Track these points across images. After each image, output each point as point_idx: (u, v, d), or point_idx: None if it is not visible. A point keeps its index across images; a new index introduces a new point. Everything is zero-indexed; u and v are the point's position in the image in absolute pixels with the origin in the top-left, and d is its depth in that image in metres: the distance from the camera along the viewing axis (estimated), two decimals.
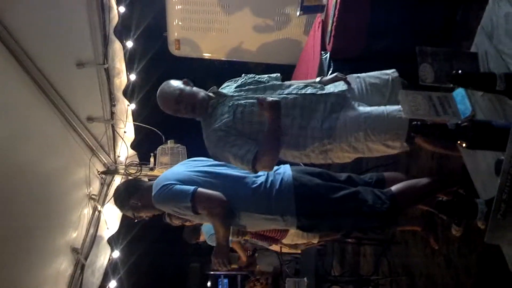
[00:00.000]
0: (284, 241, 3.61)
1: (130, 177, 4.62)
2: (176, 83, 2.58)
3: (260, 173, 2.61)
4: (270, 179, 2.57)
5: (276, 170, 2.63)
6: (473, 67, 1.64)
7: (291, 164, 2.73)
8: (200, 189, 2.52)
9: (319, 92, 2.47)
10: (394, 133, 2.27)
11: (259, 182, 2.57)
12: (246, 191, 2.55)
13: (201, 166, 2.74)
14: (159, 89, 2.62)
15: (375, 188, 2.55)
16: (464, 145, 1.37)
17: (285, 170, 2.62)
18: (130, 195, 2.84)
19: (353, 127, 2.36)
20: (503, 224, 1.22)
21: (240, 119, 2.44)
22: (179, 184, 2.56)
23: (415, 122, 1.40)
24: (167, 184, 2.58)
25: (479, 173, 1.67)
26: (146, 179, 4.77)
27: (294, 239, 3.61)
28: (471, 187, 1.73)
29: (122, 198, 2.90)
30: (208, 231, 4.66)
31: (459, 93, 1.69)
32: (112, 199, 3.22)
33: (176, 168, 2.79)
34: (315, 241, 3.62)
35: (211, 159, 2.84)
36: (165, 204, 2.69)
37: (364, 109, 2.42)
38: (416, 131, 1.40)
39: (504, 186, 1.17)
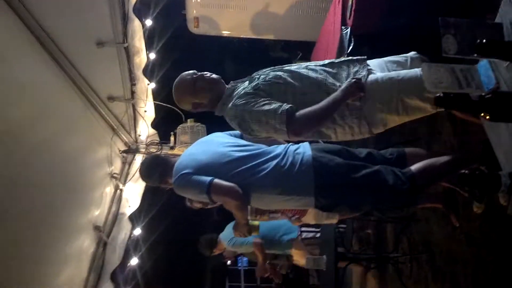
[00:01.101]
0: (304, 220, 3.61)
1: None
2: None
3: (279, 150, 2.62)
4: (289, 159, 2.54)
5: (296, 149, 2.61)
6: (497, 38, 1.60)
7: (311, 142, 2.71)
8: (215, 182, 2.53)
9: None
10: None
11: (277, 162, 2.55)
12: (264, 173, 2.54)
13: (218, 146, 2.74)
14: (174, 84, 2.66)
15: (396, 166, 2.53)
16: (487, 117, 1.35)
17: (305, 150, 2.59)
18: (156, 172, 2.90)
19: (386, 83, 2.36)
20: None
21: (268, 82, 2.46)
22: (196, 174, 2.59)
23: (439, 95, 1.38)
24: (184, 173, 2.62)
25: (502, 145, 1.64)
26: None
27: (315, 219, 3.62)
28: (493, 163, 1.71)
29: (148, 173, 2.97)
30: (226, 237, 4.73)
31: (483, 65, 1.66)
32: (138, 172, 3.26)
33: (195, 151, 2.79)
34: (335, 220, 3.62)
35: (230, 136, 2.87)
36: (184, 192, 2.76)
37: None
38: (439, 103, 1.38)
39: None
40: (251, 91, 2.46)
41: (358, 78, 2.34)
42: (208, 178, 2.54)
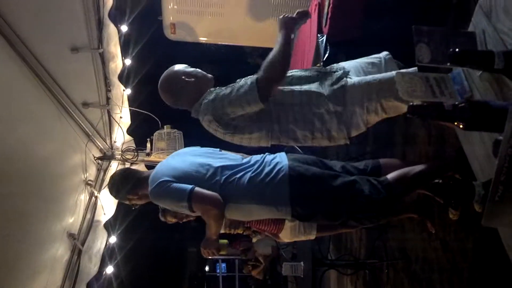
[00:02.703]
0: (282, 237, 3.59)
1: (125, 165, 4.62)
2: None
3: (255, 160, 2.61)
4: (265, 169, 2.54)
5: (273, 159, 2.61)
6: (470, 46, 1.61)
7: (287, 152, 2.71)
8: (196, 190, 2.49)
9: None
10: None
11: (254, 171, 2.54)
12: (241, 182, 2.52)
13: (196, 157, 2.72)
14: (162, 76, 2.65)
15: (371, 176, 2.54)
16: (461, 126, 1.35)
17: (281, 160, 2.59)
18: (126, 185, 2.82)
19: (364, 87, 2.40)
20: (500, 207, 1.20)
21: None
22: (176, 182, 2.55)
23: (412, 103, 1.38)
24: (163, 181, 2.56)
25: (476, 155, 1.65)
26: (142, 165, 4.78)
27: (292, 236, 3.59)
28: (468, 171, 1.72)
29: (118, 188, 2.87)
30: None
31: (457, 74, 1.67)
32: (108, 187, 3.21)
33: (173, 161, 2.75)
34: (313, 236, 3.61)
35: (207, 149, 2.85)
36: (162, 201, 2.69)
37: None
38: (413, 112, 1.38)
39: (502, 168, 1.14)
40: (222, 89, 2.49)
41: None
42: (189, 186, 2.50)
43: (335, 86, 2.45)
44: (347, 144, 2.57)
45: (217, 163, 2.62)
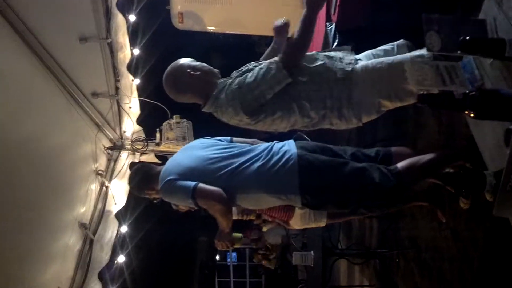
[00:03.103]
0: (292, 224, 3.59)
1: (135, 155, 4.64)
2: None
3: (263, 148, 2.61)
4: (274, 157, 2.53)
5: (281, 147, 2.60)
6: (481, 34, 1.59)
7: (296, 139, 2.70)
8: (199, 186, 2.52)
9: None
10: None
11: (262, 160, 2.53)
12: (249, 171, 2.53)
13: (203, 150, 2.72)
14: (166, 70, 2.64)
15: (382, 164, 2.53)
16: (472, 115, 1.33)
17: (290, 148, 2.58)
18: (143, 182, 2.88)
19: (376, 68, 2.39)
20: None
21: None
22: (180, 180, 2.58)
23: (422, 92, 1.36)
24: (169, 179, 2.61)
25: (487, 144, 1.63)
26: (152, 155, 4.80)
27: (302, 223, 3.60)
28: (478, 160, 1.70)
29: (137, 185, 2.94)
30: None
31: (467, 62, 1.65)
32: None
33: (180, 157, 2.78)
34: (323, 224, 3.60)
35: (216, 140, 2.85)
36: (170, 198, 2.75)
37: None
38: (423, 101, 1.36)
39: None
40: (238, 77, 2.49)
41: None
42: (193, 183, 2.52)
43: (346, 68, 2.44)
44: (359, 130, 2.56)
45: (224, 154, 2.63)
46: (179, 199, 2.68)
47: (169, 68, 2.64)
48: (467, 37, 1.28)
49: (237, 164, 2.55)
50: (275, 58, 2.41)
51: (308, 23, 2.41)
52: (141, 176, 2.91)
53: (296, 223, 3.50)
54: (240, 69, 2.60)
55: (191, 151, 2.77)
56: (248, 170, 2.52)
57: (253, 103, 2.42)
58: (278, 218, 3.49)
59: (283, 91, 2.41)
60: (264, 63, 2.43)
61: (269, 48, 2.81)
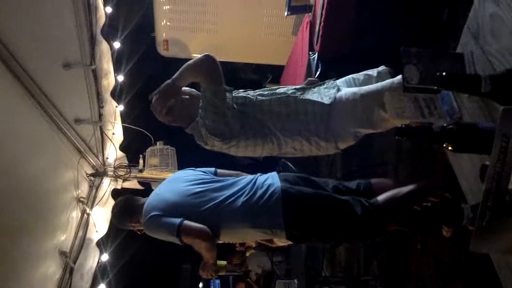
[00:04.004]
0: (276, 241, 3.58)
1: (118, 182, 4.60)
2: None
3: (247, 182, 2.62)
4: (258, 192, 2.54)
5: (265, 180, 2.62)
6: (459, 68, 1.62)
7: (279, 171, 2.72)
8: (184, 224, 2.51)
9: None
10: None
11: (247, 195, 2.54)
12: (233, 206, 2.53)
13: (187, 184, 2.72)
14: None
15: (363, 197, 2.56)
16: (450, 148, 1.35)
17: (274, 181, 2.60)
18: (127, 215, 2.87)
19: (349, 99, 2.41)
20: (488, 233, 1.20)
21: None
22: (165, 216, 2.58)
23: (401, 125, 1.38)
24: (153, 215, 2.60)
25: (465, 176, 1.66)
26: (135, 181, 4.76)
27: (286, 241, 3.58)
28: (458, 191, 1.72)
29: (120, 218, 2.93)
30: None
31: (445, 95, 1.68)
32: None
33: (164, 191, 2.77)
34: None
35: (200, 172, 2.85)
36: (154, 234, 2.71)
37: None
38: (401, 134, 1.38)
39: (489, 193, 1.14)
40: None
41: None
42: (178, 220, 2.52)
43: (324, 97, 2.46)
44: (341, 157, 2.58)
45: (208, 188, 2.64)
46: (163, 235, 2.64)
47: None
48: (444, 73, 1.30)
49: (221, 198, 2.55)
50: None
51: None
52: (125, 209, 2.89)
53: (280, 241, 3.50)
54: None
55: (175, 185, 2.76)
56: (233, 205, 2.52)
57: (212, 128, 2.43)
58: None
59: (256, 121, 2.43)
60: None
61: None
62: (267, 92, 2.56)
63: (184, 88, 2.60)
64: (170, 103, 2.47)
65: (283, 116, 2.43)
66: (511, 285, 1.46)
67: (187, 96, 2.58)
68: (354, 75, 2.72)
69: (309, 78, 2.87)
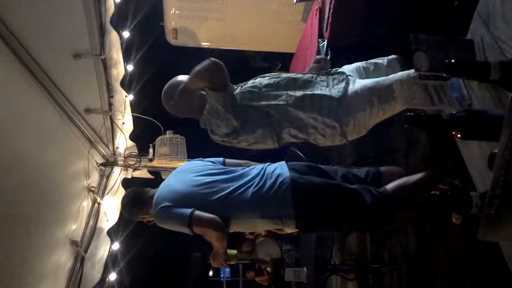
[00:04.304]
0: (286, 229, 3.59)
1: (128, 171, 4.62)
2: None
3: (256, 173, 2.63)
4: (267, 182, 2.55)
5: (274, 170, 2.62)
6: (468, 54, 1.60)
7: (287, 160, 2.72)
8: (196, 214, 2.52)
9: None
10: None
11: (256, 185, 2.55)
12: (243, 197, 2.54)
13: (196, 174, 2.72)
14: (165, 86, 2.65)
15: (372, 185, 2.56)
16: (459, 135, 1.35)
17: (283, 171, 2.60)
18: (137, 207, 2.89)
19: (364, 93, 2.41)
20: (496, 220, 1.19)
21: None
22: (175, 207, 2.58)
23: (409, 113, 1.37)
24: (164, 206, 2.61)
25: (475, 164, 1.64)
26: (145, 171, 4.78)
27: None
28: (467, 178, 1.71)
29: (130, 210, 2.94)
30: None
31: (456, 82, 1.66)
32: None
33: (173, 182, 2.77)
34: None
35: (208, 162, 2.86)
36: (165, 225, 2.72)
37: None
38: (410, 121, 1.37)
39: (498, 181, 1.14)
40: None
41: None
42: (189, 211, 2.52)
43: (333, 91, 2.46)
44: (352, 146, 2.58)
45: (217, 178, 2.64)
46: (174, 226, 2.65)
47: (167, 84, 2.65)
48: (453, 60, 1.29)
49: (231, 189, 2.56)
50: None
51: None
52: (135, 201, 2.90)
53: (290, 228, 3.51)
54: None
55: (184, 175, 2.76)
56: (243, 196, 2.53)
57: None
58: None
59: (265, 112, 2.45)
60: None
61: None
62: (274, 80, 2.55)
63: None
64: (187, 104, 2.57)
65: (292, 111, 2.45)
66: None
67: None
68: (363, 64, 2.71)
69: (317, 56, 2.86)
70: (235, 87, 2.59)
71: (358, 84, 2.48)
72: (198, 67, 2.41)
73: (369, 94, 2.38)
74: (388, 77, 2.43)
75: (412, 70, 2.14)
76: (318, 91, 2.47)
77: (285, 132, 2.49)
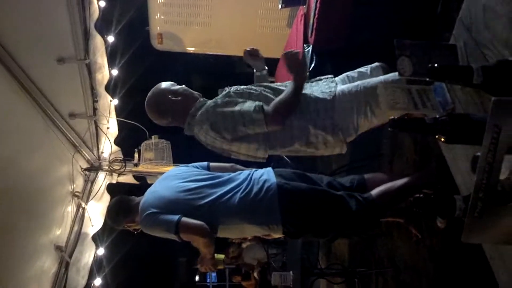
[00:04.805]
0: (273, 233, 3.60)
1: (113, 176, 4.60)
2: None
3: (243, 179, 2.63)
4: (254, 188, 2.55)
5: (260, 176, 2.62)
6: (452, 59, 1.62)
7: (274, 167, 2.73)
8: (183, 221, 2.50)
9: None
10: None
11: (243, 191, 2.55)
12: (230, 203, 2.54)
13: (182, 181, 2.72)
14: (148, 95, 2.65)
15: (357, 192, 2.59)
16: (442, 139, 1.36)
17: (269, 177, 2.60)
18: (122, 215, 2.86)
19: (352, 92, 2.44)
20: (480, 223, 1.20)
21: (239, 90, 2.53)
22: (162, 214, 2.57)
23: (393, 117, 1.39)
24: (151, 213, 2.59)
25: (458, 168, 1.66)
26: (130, 176, 4.76)
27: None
28: (451, 181, 1.73)
29: (115, 219, 2.92)
30: None
31: (439, 86, 1.68)
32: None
33: (160, 189, 2.76)
34: None
35: (194, 168, 2.86)
36: (152, 231, 2.70)
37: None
38: (394, 125, 1.38)
39: (481, 184, 1.15)
40: (221, 98, 2.50)
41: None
42: (176, 217, 2.51)
43: (325, 94, 2.49)
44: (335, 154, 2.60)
45: (203, 184, 2.64)
46: (161, 232, 2.63)
47: (150, 93, 2.65)
48: (436, 65, 1.31)
49: (217, 195, 2.56)
50: (265, 106, 2.40)
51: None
52: (119, 209, 2.88)
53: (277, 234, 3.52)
54: (223, 89, 2.63)
55: (170, 182, 2.75)
56: (230, 202, 2.53)
57: (222, 131, 2.44)
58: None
59: None
60: (248, 102, 2.44)
61: (255, 78, 2.81)
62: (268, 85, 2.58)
63: (176, 88, 2.64)
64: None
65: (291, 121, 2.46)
66: (503, 274, 1.47)
67: (179, 98, 2.60)
68: (348, 73, 2.74)
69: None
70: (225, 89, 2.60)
71: (344, 86, 2.52)
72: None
73: (356, 94, 2.42)
74: (372, 79, 2.47)
75: (396, 73, 2.18)
76: (311, 94, 2.50)
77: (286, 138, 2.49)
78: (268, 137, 2.47)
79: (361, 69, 2.73)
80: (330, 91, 2.49)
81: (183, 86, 2.68)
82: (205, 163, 2.90)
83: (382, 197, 2.50)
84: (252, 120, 2.36)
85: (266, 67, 2.85)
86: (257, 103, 2.39)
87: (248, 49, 2.76)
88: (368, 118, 2.41)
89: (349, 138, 2.49)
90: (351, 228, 2.57)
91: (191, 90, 2.66)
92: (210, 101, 2.55)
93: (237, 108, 2.41)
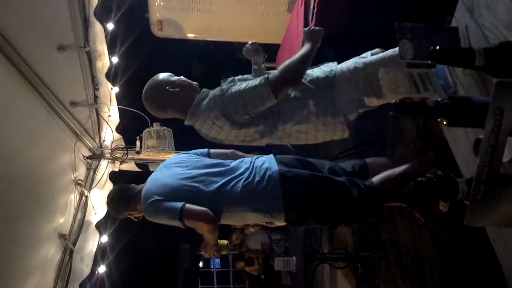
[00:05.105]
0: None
1: (115, 164, 4.60)
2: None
3: (245, 167, 2.62)
4: (256, 176, 2.55)
5: (262, 164, 2.62)
6: (453, 42, 1.61)
7: (275, 153, 2.73)
8: (187, 207, 2.50)
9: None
10: None
11: (246, 179, 2.55)
12: (234, 191, 2.54)
13: (184, 168, 2.72)
14: (145, 87, 2.63)
15: (358, 178, 2.59)
16: (444, 122, 1.35)
17: (271, 165, 2.60)
18: (123, 204, 2.88)
19: (352, 70, 2.49)
20: (482, 206, 1.20)
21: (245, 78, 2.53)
22: (166, 201, 2.56)
23: (395, 101, 1.38)
24: (154, 200, 2.59)
25: (461, 151, 1.66)
26: (133, 163, 4.77)
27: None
28: (453, 166, 1.73)
29: (116, 208, 2.94)
30: None
31: (440, 69, 1.67)
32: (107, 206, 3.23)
33: (162, 176, 2.75)
34: None
35: (194, 155, 2.86)
36: (155, 219, 2.70)
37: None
38: (396, 109, 1.38)
39: (483, 167, 1.14)
40: (226, 85, 2.49)
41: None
42: (179, 204, 2.51)
43: (326, 72, 2.51)
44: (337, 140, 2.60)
45: (207, 172, 2.64)
46: (165, 219, 2.63)
47: (147, 84, 2.63)
48: (437, 47, 1.30)
49: (221, 183, 2.56)
50: (267, 76, 2.37)
51: (308, 55, 2.41)
52: (121, 197, 2.89)
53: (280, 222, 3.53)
54: (226, 79, 2.61)
55: (172, 169, 2.75)
56: (233, 190, 2.53)
57: (233, 114, 2.41)
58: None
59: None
60: (254, 79, 2.43)
61: (252, 71, 2.79)
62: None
63: (173, 79, 2.61)
64: None
65: (292, 99, 2.47)
66: (506, 258, 1.47)
67: (177, 89, 2.57)
68: (348, 60, 2.73)
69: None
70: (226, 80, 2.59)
71: (344, 65, 2.56)
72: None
73: (361, 67, 2.47)
74: (374, 56, 2.49)
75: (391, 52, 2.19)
76: (313, 75, 2.52)
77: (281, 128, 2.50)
78: (273, 115, 2.47)
79: (362, 55, 2.72)
80: (330, 70, 2.53)
81: (181, 77, 2.64)
82: (206, 150, 2.90)
83: (383, 184, 2.51)
84: (259, 93, 2.33)
85: (266, 55, 2.83)
86: (262, 77, 2.38)
87: (248, 45, 2.72)
88: (368, 95, 2.42)
89: (350, 115, 2.50)
90: (353, 215, 2.57)
91: (189, 81, 2.64)
92: (213, 90, 2.54)
93: (243, 85, 2.39)
